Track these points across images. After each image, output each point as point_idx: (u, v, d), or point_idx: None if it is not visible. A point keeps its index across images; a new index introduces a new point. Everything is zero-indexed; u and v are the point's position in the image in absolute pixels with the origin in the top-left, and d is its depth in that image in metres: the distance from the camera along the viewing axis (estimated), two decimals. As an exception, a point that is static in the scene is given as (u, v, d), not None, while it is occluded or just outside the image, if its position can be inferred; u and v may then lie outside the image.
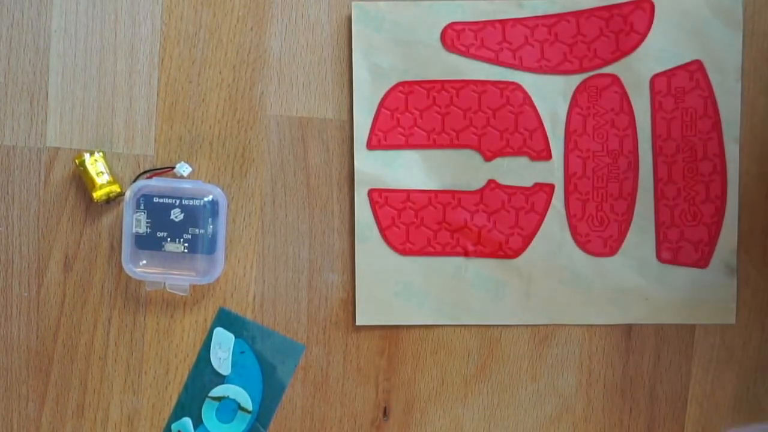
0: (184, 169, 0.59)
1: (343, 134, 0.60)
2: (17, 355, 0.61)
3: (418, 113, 0.60)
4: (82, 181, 0.60)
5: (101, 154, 0.59)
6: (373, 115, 0.60)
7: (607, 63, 0.60)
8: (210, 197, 0.58)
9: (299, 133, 0.60)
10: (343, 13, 0.60)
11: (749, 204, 0.60)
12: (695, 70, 0.59)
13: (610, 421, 0.61)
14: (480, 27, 0.59)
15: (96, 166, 0.59)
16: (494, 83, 0.59)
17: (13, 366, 0.61)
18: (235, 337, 0.61)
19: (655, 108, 0.60)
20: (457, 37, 0.59)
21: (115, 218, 0.60)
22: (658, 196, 0.60)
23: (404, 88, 0.60)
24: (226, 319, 0.61)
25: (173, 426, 0.61)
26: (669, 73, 0.60)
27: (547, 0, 0.60)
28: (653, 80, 0.60)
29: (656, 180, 0.60)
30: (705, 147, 0.60)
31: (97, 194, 0.59)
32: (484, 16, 0.60)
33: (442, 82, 0.60)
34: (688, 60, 0.59)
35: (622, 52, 0.59)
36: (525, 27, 0.60)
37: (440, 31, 0.59)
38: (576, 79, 0.60)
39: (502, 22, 0.60)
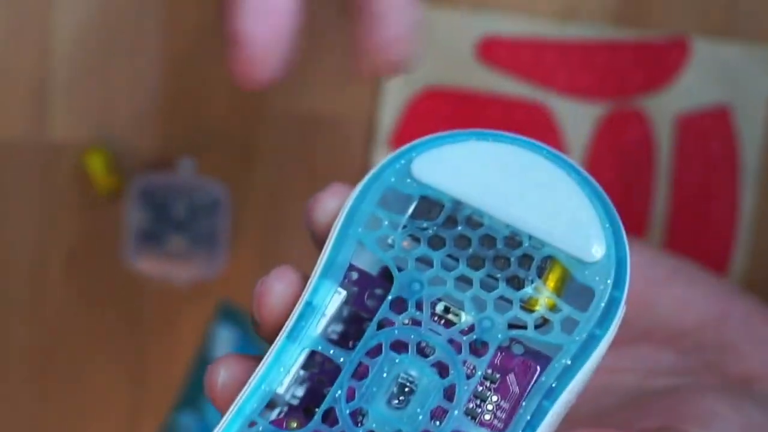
0: (186, 165, 0.59)
1: (349, 131, 0.60)
2: (17, 355, 0.61)
3: (441, 120, 0.59)
4: (84, 178, 0.60)
5: (103, 150, 0.59)
6: (397, 117, 0.60)
7: (636, 97, 0.59)
8: (213, 193, 0.58)
9: (303, 129, 0.60)
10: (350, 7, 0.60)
11: (759, 254, 0.60)
12: (723, 114, 0.59)
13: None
14: (515, 43, 0.58)
15: (98, 162, 0.59)
16: (521, 101, 0.59)
17: (13, 366, 0.61)
18: (238, 334, 0.61)
19: (678, 147, 0.59)
20: (491, 50, 0.58)
21: (117, 215, 0.60)
22: (668, 234, 0.60)
23: (431, 94, 0.59)
24: (228, 315, 0.61)
25: (176, 422, 0.61)
26: (696, 115, 0.59)
27: (586, 26, 0.59)
28: (679, 120, 0.59)
29: (668, 218, 0.60)
30: (722, 193, 0.59)
31: (99, 191, 0.59)
32: (522, 31, 0.59)
33: (470, 92, 0.59)
34: (717, 103, 0.59)
35: (652, 87, 0.59)
36: (560, 49, 0.58)
37: (475, 40, 0.58)
38: (603, 109, 0.59)
39: (538, 41, 0.58)
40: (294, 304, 0.31)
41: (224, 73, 0.60)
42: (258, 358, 0.32)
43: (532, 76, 0.59)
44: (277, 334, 0.32)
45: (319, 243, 0.32)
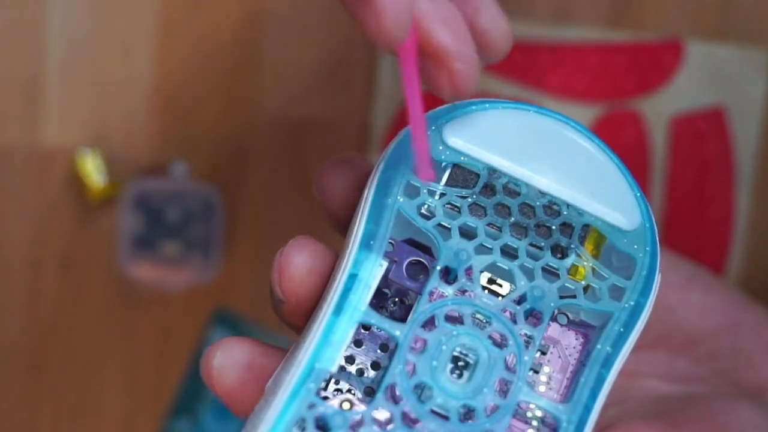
0: (181, 168, 0.59)
1: (342, 134, 0.60)
2: (11, 361, 0.61)
3: None
4: (78, 181, 0.60)
5: (98, 154, 0.59)
6: (390, 119, 0.60)
7: (630, 99, 0.59)
8: (206, 198, 0.58)
9: (298, 132, 0.60)
10: (343, 13, 0.60)
11: (755, 254, 0.60)
12: (718, 116, 0.58)
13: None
14: None
15: (93, 166, 0.59)
16: None
17: (12, 368, 0.61)
18: (233, 338, 0.61)
19: (673, 149, 0.59)
20: None
21: (111, 219, 0.60)
22: (663, 236, 0.60)
23: (424, 96, 0.59)
24: (223, 319, 0.61)
25: (171, 429, 0.61)
26: (691, 117, 0.59)
27: (579, 28, 0.59)
28: (674, 122, 0.59)
29: (663, 220, 0.60)
30: (717, 194, 0.59)
31: (94, 195, 0.59)
32: (515, 33, 0.58)
33: None
34: (712, 105, 0.59)
35: (647, 89, 0.58)
36: (554, 52, 0.58)
37: None
38: (597, 111, 0.59)
39: (531, 43, 0.59)
40: (319, 277, 0.29)
41: (217, 77, 0.60)
42: (257, 342, 0.30)
43: (525, 78, 0.59)
44: (303, 314, 0.30)
45: (334, 213, 0.31)
